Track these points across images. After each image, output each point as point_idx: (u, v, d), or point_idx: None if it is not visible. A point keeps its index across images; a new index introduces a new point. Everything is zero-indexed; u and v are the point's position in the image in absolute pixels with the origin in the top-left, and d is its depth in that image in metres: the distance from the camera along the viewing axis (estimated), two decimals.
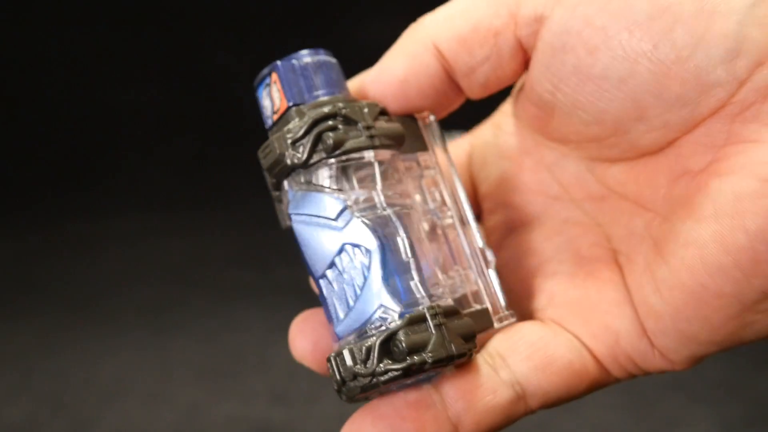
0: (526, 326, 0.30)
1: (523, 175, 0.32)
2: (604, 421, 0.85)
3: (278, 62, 0.29)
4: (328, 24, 1.87)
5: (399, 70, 0.28)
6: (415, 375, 0.27)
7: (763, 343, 0.27)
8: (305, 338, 0.30)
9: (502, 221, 0.32)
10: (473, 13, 0.27)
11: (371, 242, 0.27)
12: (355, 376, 0.26)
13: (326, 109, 0.27)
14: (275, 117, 0.28)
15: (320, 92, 0.28)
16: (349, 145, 0.27)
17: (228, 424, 0.89)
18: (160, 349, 1.06)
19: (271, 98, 0.29)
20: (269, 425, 0.88)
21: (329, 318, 0.28)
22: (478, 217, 0.34)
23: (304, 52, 0.29)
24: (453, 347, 0.26)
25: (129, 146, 1.77)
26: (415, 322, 0.26)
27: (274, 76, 0.28)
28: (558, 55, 0.26)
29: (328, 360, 0.27)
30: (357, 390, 0.27)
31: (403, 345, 0.26)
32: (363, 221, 0.27)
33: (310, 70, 0.28)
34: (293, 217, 0.28)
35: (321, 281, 0.28)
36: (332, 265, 0.27)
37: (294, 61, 0.28)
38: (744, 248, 0.25)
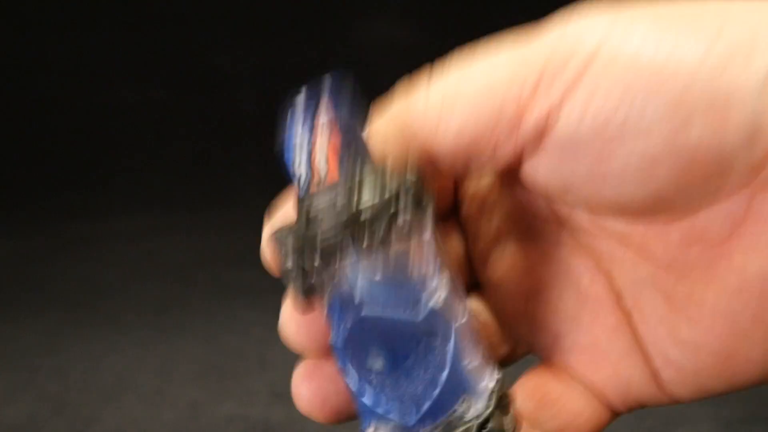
0: (545, 380, 0.30)
1: (513, 190, 0.30)
2: None
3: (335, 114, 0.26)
4: (328, 24, 1.87)
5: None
6: None
7: None
8: (313, 393, 0.29)
9: (487, 231, 0.31)
10: (472, 127, 0.26)
11: (449, 329, 0.26)
12: None
13: (406, 182, 0.25)
14: (315, 188, 0.26)
15: (365, 154, 0.26)
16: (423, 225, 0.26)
17: (228, 423, 0.89)
18: (161, 349, 1.06)
19: (311, 166, 0.26)
20: (269, 425, 0.88)
21: (397, 409, 0.27)
22: (457, 214, 0.31)
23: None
24: (520, 419, 0.27)
25: (129, 146, 1.77)
26: (498, 406, 0.26)
27: (334, 140, 0.25)
28: (567, 162, 0.25)
29: None
30: None
31: (495, 430, 0.26)
32: (440, 308, 0.26)
33: (353, 125, 0.26)
34: (363, 306, 0.26)
35: (391, 373, 0.27)
36: (409, 356, 0.26)
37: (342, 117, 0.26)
38: None
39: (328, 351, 0.28)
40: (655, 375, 0.29)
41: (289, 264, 0.26)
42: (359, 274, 0.26)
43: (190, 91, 1.80)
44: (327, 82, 0.26)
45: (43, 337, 1.11)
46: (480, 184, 0.31)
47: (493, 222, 0.31)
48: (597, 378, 0.29)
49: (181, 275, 1.30)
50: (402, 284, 0.26)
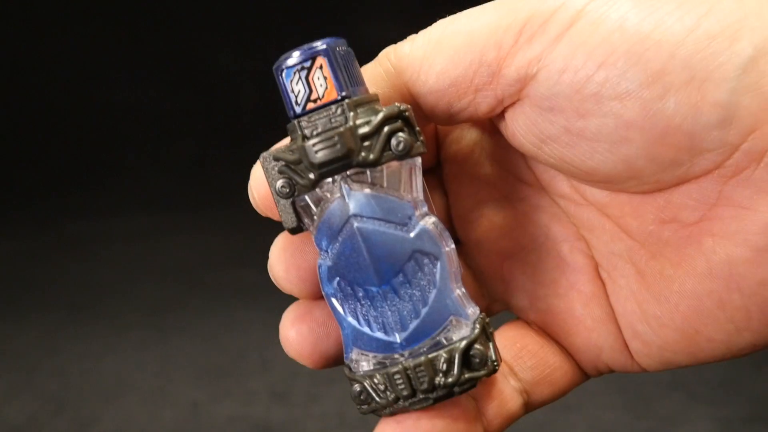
0: (523, 333, 0.31)
1: (496, 151, 0.31)
2: (604, 419, 0.86)
3: (324, 46, 0.26)
4: (328, 24, 1.87)
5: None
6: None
7: None
8: (303, 336, 0.28)
9: (469, 191, 0.31)
10: (452, 70, 0.26)
11: (439, 250, 0.27)
12: (434, 387, 0.26)
13: (399, 107, 0.26)
14: (311, 105, 0.26)
15: (359, 87, 0.27)
16: (415, 149, 0.26)
17: (228, 423, 0.89)
18: (161, 349, 1.06)
19: (309, 84, 0.26)
20: (269, 425, 0.88)
21: (384, 328, 0.27)
22: (437, 174, 0.32)
23: (334, 39, 0.27)
24: (499, 353, 0.28)
25: (129, 146, 1.78)
26: (483, 331, 0.27)
27: (321, 60, 0.26)
28: (546, 115, 0.26)
29: (399, 372, 0.27)
30: (429, 401, 0.27)
31: (479, 355, 0.27)
32: (430, 228, 0.27)
33: (349, 60, 0.27)
34: (357, 218, 0.27)
35: (380, 288, 0.27)
36: (399, 272, 0.27)
37: (339, 48, 0.27)
38: (738, 307, 0.26)
39: (317, 292, 0.28)
40: (625, 345, 0.29)
41: (280, 183, 0.27)
42: (354, 188, 0.27)
43: (190, 91, 1.81)
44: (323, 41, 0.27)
45: (44, 337, 1.11)
46: (462, 144, 0.31)
47: (474, 182, 0.31)
48: (570, 342, 0.30)
49: (181, 275, 1.30)
50: (395, 201, 0.27)
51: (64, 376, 1.00)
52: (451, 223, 0.32)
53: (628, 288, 0.29)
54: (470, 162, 0.31)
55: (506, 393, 0.29)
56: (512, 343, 0.30)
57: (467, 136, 0.31)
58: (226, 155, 1.64)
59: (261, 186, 0.28)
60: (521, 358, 0.30)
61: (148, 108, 1.80)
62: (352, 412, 0.89)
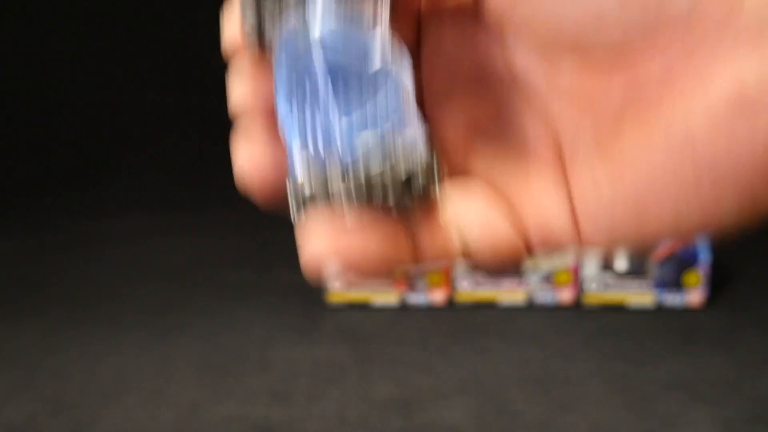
0: (479, 194, 0.31)
1: (475, 36, 0.31)
2: (604, 419, 0.85)
3: None
4: None
5: None
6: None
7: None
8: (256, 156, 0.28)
9: (442, 75, 0.32)
10: None
11: (397, 74, 0.27)
12: (372, 200, 0.27)
13: None
14: None
15: None
16: None
17: (228, 423, 0.89)
18: (161, 349, 1.06)
19: None
20: (269, 425, 0.88)
21: (329, 141, 0.27)
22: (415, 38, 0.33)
23: None
24: (443, 182, 0.28)
25: (129, 146, 1.78)
26: (430, 158, 0.28)
27: None
28: None
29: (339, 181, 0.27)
30: (362, 212, 0.27)
31: (422, 177, 0.27)
32: (389, 49, 0.27)
33: None
34: (317, 43, 0.27)
35: (336, 110, 0.27)
36: (357, 94, 0.27)
37: None
38: (691, 182, 0.26)
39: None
40: (573, 215, 0.30)
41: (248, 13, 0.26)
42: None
43: (190, 91, 1.81)
44: None
45: (43, 338, 1.11)
46: (444, 28, 0.32)
47: (450, 65, 0.32)
48: (522, 213, 0.31)
49: (181, 275, 1.30)
50: (357, 27, 0.27)
51: (64, 376, 1.00)
52: (421, 99, 0.32)
53: (588, 169, 0.29)
54: (449, 45, 0.32)
55: (445, 233, 0.29)
56: (465, 199, 0.31)
57: (449, 20, 0.32)
58: (226, 155, 1.64)
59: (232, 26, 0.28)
60: (467, 213, 0.30)
61: (148, 108, 1.80)
62: (353, 412, 0.89)
